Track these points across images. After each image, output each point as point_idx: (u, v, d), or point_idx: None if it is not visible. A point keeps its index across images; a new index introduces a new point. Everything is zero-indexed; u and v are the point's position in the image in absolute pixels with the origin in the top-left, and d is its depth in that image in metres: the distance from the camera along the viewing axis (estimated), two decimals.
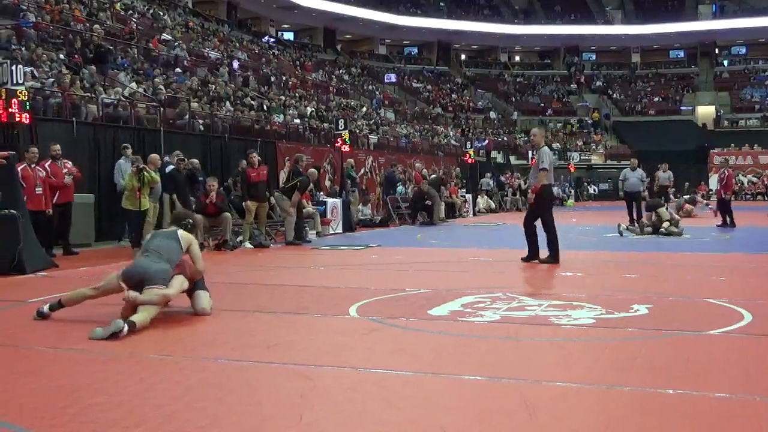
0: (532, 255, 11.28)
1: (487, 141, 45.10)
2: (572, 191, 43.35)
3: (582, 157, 50.08)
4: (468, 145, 34.44)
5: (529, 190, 11.65)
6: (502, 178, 34.06)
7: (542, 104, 60.14)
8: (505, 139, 50.60)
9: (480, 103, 58.27)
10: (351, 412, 4.08)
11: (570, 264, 11.11)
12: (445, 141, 41.57)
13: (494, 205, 30.64)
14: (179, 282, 6.71)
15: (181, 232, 7.05)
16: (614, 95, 61.37)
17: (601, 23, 63.62)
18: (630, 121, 57.45)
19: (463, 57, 66.23)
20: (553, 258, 11.13)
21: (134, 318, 6.09)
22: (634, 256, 12.95)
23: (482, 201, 29.68)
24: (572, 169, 44.89)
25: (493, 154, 43.65)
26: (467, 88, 61.07)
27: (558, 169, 44.84)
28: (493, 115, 56.27)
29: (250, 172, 14.63)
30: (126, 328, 5.89)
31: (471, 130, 48.63)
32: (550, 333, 6.13)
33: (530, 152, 11.80)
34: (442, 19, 59.82)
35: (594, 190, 48.29)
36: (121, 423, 3.88)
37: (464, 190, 28.21)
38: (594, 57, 66.73)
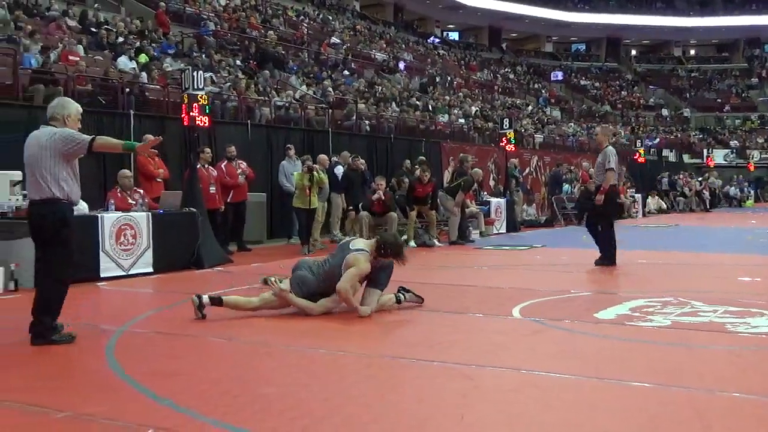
0: (607, 257, 11.01)
1: (658, 139, 43.37)
2: (752, 192, 40.87)
3: (762, 156, 47.06)
4: (638, 143, 33.23)
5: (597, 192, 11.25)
6: (676, 178, 32.60)
7: (719, 100, 57.03)
8: (678, 136, 48.43)
9: (651, 99, 56.09)
10: (512, 413, 4.05)
11: (748, 268, 10.50)
12: (613, 139, 40.33)
13: (666, 206, 29.40)
14: (323, 303, 6.98)
15: (350, 257, 7.03)
16: None
17: None
18: None
19: (633, 52, 63.97)
20: (609, 260, 10.90)
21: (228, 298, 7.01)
22: None
23: (653, 201, 28.56)
24: (751, 168, 42.35)
25: (665, 152, 41.90)
26: (637, 85, 58.93)
27: (736, 168, 42.64)
28: (665, 112, 54.01)
29: (418, 186, 14.70)
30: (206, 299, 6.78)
31: (641, 128, 46.90)
32: (725, 341, 5.83)
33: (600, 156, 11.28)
34: (611, 14, 57.93)
35: None
36: (288, 413, 4.03)
37: (633, 190, 27.24)
38: None
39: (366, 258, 7.01)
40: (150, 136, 12.31)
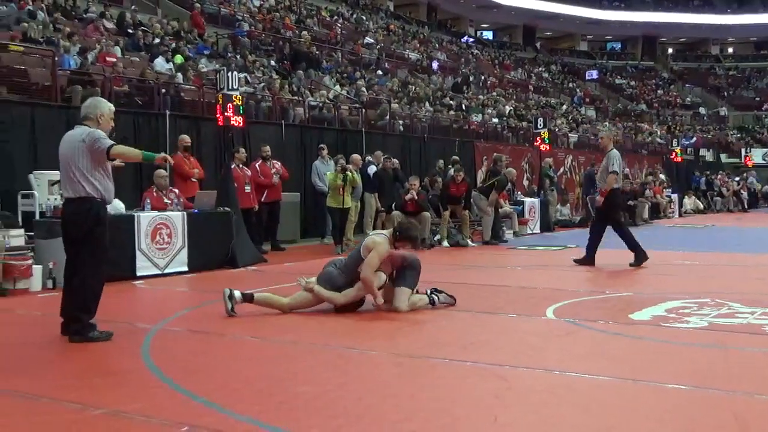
0: (588, 259, 11.15)
1: (695, 138, 42.80)
2: None
3: None
4: (674, 142, 32.85)
5: (598, 195, 11.24)
6: (713, 178, 32.15)
7: (758, 98, 56.08)
8: (715, 135, 47.76)
9: (688, 98, 55.37)
10: (546, 415, 4.02)
11: None
12: (649, 139, 39.91)
13: (702, 206, 29.01)
14: (346, 292, 7.05)
15: (368, 240, 7.19)
16: None
17: None
18: None
19: (670, 51, 63.21)
20: (639, 260, 10.87)
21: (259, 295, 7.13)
22: None
23: (689, 201, 28.21)
24: None
25: (702, 151, 41.35)
26: (674, 83, 58.21)
27: None
28: (702, 110, 53.30)
29: (452, 186, 14.70)
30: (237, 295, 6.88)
31: (677, 127, 46.33)
32: (764, 343, 5.73)
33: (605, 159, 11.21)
34: (647, 12, 57.27)
35: None
36: (322, 412, 4.05)
37: (669, 190, 26.92)
38: None
39: (384, 240, 7.08)
40: (185, 137, 12.56)
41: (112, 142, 5.93)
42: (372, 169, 15.11)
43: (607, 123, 40.67)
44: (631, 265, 10.86)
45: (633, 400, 4.29)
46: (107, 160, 5.95)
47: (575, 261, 11.32)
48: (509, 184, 16.64)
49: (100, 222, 5.95)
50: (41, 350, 5.74)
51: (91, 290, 5.97)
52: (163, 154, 6.29)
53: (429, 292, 7.46)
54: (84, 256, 5.97)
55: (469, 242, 14.66)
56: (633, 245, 11.02)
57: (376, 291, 6.99)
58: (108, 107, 6.19)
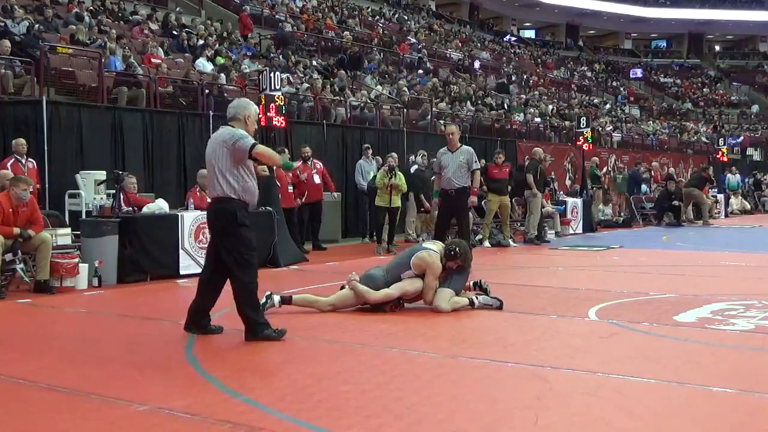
0: None
1: (742, 137, 42.03)
2: None
3: None
4: (721, 142, 32.28)
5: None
6: (761, 178, 31.52)
7: None
8: (763, 134, 46.82)
9: (735, 96, 54.41)
10: (589, 417, 3.98)
11: None
12: (695, 138, 39.31)
13: (749, 206, 28.48)
14: (384, 291, 7.09)
15: (422, 254, 7.20)
16: None
17: None
18: None
19: (716, 48, 62.17)
20: None
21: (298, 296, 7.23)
22: None
23: (736, 201, 27.71)
24: None
25: (749, 151, 40.59)
26: (721, 82, 57.23)
27: None
28: (751, 109, 52.30)
29: (492, 168, 14.72)
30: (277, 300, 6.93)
31: (724, 126, 45.55)
32: None
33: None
34: (693, 9, 56.33)
35: None
36: (363, 411, 4.06)
37: (716, 190, 26.46)
38: None
39: (437, 257, 7.15)
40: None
41: (255, 141, 5.94)
42: (413, 169, 15.10)
43: None
44: None
45: (677, 403, 4.24)
46: (249, 159, 5.95)
47: None
48: (552, 183, 16.48)
49: (237, 222, 5.91)
50: (88, 347, 5.84)
51: (245, 288, 5.95)
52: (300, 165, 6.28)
53: (472, 286, 7.53)
54: (226, 257, 5.96)
55: (511, 242, 14.56)
56: None
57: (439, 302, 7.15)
58: (254, 109, 6.24)
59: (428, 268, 7.08)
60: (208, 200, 10.84)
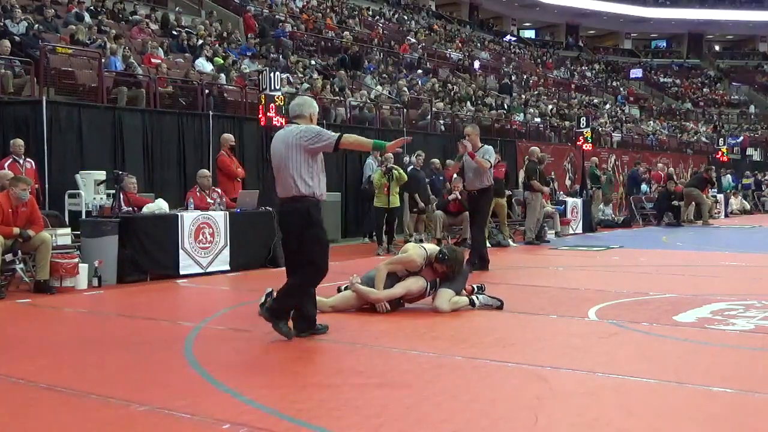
0: None
1: (742, 137, 42.04)
2: None
3: None
4: (720, 141, 32.29)
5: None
6: (761, 178, 31.52)
7: None
8: (763, 134, 46.84)
9: (735, 96, 54.42)
10: (588, 417, 3.98)
11: None
12: (695, 138, 39.32)
13: (749, 206, 28.47)
14: (387, 291, 7.10)
15: (402, 248, 7.37)
16: None
17: None
18: None
19: (716, 48, 62.19)
20: None
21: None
22: None
23: (736, 201, 27.71)
24: None
25: (749, 151, 40.60)
26: (720, 82, 57.26)
27: None
28: (752, 109, 52.31)
29: None
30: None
31: (724, 126, 45.56)
32: None
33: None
34: (693, 9, 56.32)
35: None
36: (363, 411, 4.06)
37: (715, 190, 26.45)
38: None
39: (420, 254, 7.18)
40: (230, 136, 12.67)
41: (339, 134, 5.93)
42: (409, 169, 15.11)
43: None
44: None
45: (677, 403, 4.24)
46: (334, 151, 6.00)
47: None
48: (551, 181, 16.48)
49: (312, 221, 5.91)
50: (88, 348, 5.84)
51: (297, 287, 5.95)
52: (396, 141, 6.13)
53: (472, 290, 7.48)
54: (302, 257, 5.93)
55: (511, 242, 14.56)
56: None
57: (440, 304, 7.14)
58: (317, 106, 6.26)
59: (404, 257, 7.22)
60: (209, 200, 11.03)
